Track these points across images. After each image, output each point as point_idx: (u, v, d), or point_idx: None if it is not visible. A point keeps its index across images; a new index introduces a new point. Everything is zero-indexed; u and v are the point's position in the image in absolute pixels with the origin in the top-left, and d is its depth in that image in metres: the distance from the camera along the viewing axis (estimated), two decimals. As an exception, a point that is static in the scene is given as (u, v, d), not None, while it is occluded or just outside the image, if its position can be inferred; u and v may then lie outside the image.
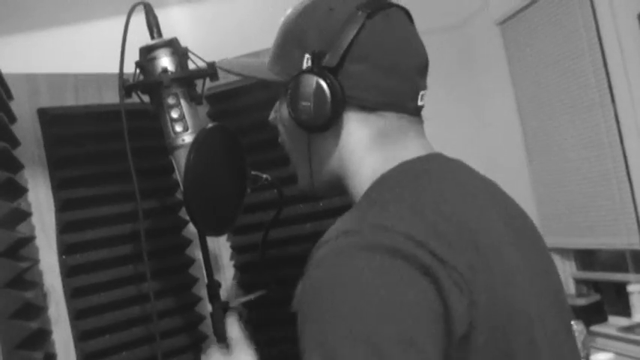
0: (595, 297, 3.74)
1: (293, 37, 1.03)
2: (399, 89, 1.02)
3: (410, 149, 1.02)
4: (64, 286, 1.63)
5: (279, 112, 1.11)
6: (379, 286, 0.80)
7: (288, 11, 1.08)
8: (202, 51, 1.55)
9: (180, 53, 1.48)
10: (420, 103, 1.05)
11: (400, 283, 0.80)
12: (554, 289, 1.05)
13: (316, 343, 0.79)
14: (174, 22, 2.26)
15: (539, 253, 1.06)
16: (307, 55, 1.00)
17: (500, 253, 0.92)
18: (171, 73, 1.45)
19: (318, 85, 0.96)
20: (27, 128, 1.62)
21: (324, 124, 0.99)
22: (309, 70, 0.98)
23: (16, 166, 1.56)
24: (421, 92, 1.05)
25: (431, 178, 0.97)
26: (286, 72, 1.03)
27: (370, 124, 1.02)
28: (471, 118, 4.34)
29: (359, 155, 1.02)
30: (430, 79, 1.09)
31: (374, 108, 1.01)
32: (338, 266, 0.84)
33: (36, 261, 1.59)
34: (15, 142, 1.56)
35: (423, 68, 1.05)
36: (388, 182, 0.98)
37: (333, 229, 0.91)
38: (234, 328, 1.27)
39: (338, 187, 1.07)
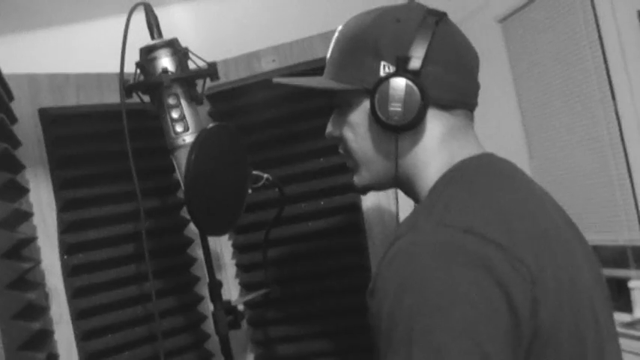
0: (596, 293, 3.75)
1: (364, 46, 1.09)
2: (468, 87, 1.12)
3: (469, 148, 1.11)
4: (65, 286, 1.64)
5: (346, 121, 1.15)
6: (442, 284, 0.87)
7: (341, 27, 1.16)
8: (203, 51, 1.55)
9: (180, 53, 1.48)
10: (477, 99, 1.16)
11: (461, 280, 0.87)
12: (604, 286, 1.12)
13: (400, 341, 0.87)
14: (175, 22, 2.26)
15: (585, 243, 1.13)
16: (383, 63, 1.06)
17: (568, 248, 1.00)
18: (172, 73, 1.45)
19: (409, 87, 1.03)
20: (28, 128, 1.62)
21: (413, 123, 1.05)
22: (396, 74, 1.04)
23: (18, 167, 1.56)
24: (479, 89, 1.15)
25: (492, 173, 1.06)
26: (359, 79, 1.09)
27: (444, 121, 1.09)
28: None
29: (430, 152, 1.09)
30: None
31: (449, 105, 1.09)
32: (403, 263, 0.90)
33: (38, 261, 1.59)
34: (16, 143, 1.57)
35: (478, 66, 1.15)
36: (452, 178, 1.04)
37: (402, 227, 0.98)
38: None
39: (401, 183, 1.14)
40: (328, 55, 1.18)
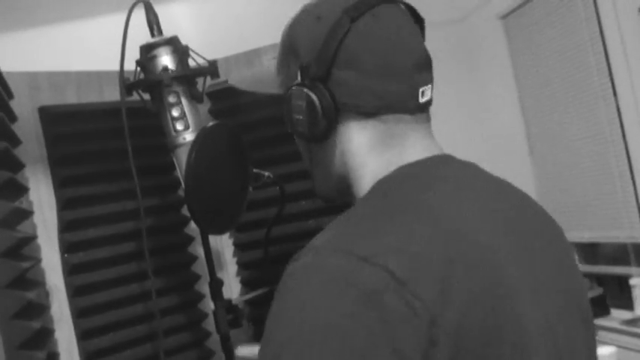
0: (598, 290, 3.73)
1: (288, 48, 1.03)
2: (395, 90, 0.98)
3: (411, 152, 0.99)
4: (66, 285, 1.63)
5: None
6: (322, 319, 0.78)
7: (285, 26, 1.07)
8: (203, 48, 1.54)
9: (180, 51, 1.47)
10: (422, 99, 1.00)
11: (342, 316, 0.78)
12: (577, 299, 1.01)
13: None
14: (175, 20, 2.26)
15: (559, 259, 1.02)
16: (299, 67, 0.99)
17: (496, 267, 0.87)
18: (172, 71, 1.45)
19: (308, 97, 0.96)
20: (28, 127, 1.62)
21: (320, 134, 0.98)
22: (298, 83, 0.98)
23: (18, 165, 1.55)
24: (421, 88, 1.00)
25: (424, 185, 0.93)
26: (285, 85, 1.02)
27: (369, 129, 0.99)
28: (473, 111, 4.33)
29: (360, 161, 1.00)
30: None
31: (372, 112, 0.98)
32: (292, 288, 0.83)
33: (38, 260, 1.58)
34: (16, 141, 1.56)
35: (422, 63, 1.01)
36: (376, 192, 0.95)
37: (308, 244, 0.88)
38: None
39: (342, 194, 1.06)
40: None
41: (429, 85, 1.01)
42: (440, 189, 0.93)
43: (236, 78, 1.88)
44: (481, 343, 0.81)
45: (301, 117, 0.98)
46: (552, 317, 0.92)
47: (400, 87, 0.98)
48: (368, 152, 0.99)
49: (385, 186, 0.95)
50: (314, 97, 0.95)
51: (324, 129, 0.97)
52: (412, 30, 1.02)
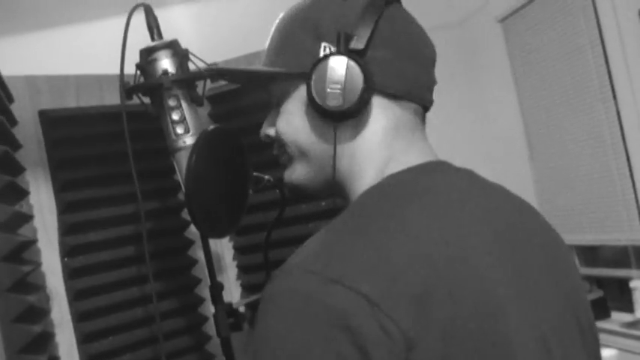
0: (598, 293, 3.74)
1: (304, 27, 0.97)
2: (421, 78, 0.98)
3: (413, 152, 0.97)
4: (66, 289, 1.63)
5: (280, 112, 1.01)
6: (295, 344, 0.77)
7: (282, 14, 1.03)
8: (203, 52, 1.55)
9: (180, 55, 1.47)
10: (431, 97, 1.01)
11: (316, 341, 0.76)
12: (575, 309, 0.97)
13: None
14: (175, 23, 2.26)
15: (557, 270, 0.99)
16: (324, 44, 0.94)
17: (483, 287, 0.84)
18: (172, 75, 1.45)
19: (351, 67, 0.90)
20: (28, 131, 1.62)
21: (354, 109, 0.91)
22: (338, 52, 0.92)
23: (18, 169, 1.55)
24: (434, 86, 1.01)
25: (414, 198, 0.90)
26: (297, 61, 0.96)
27: (389, 113, 0.96)
28: (473, 114, 4.33)
29: (369, 151, 0.96)
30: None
31: (397, 96, 0.96)
32: (267, 312, 0.81)
33: (38, 264, 1.58)
34: (16, 145, 1.56)
35: (434, 61, 1.02)
36: (364, 203, 0.91)
37: (286, 262, 0.85)
38: None
39: (336, 191, 1.01)
40: (266, 43, 1.04)
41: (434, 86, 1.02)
42: (427, 202, 0.89)
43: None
44: None
45: (338, 88, 0.91)
46: (548, 334, 0.89)
47: (424, 77, 0.98)
48: (380, 140, 0.96)
49: (369, 199, 0.91)
50: (357, 67, 0.91)
51: (360, 104, 0.92)
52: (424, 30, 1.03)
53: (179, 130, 1.46)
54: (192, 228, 1.87)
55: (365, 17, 0.93)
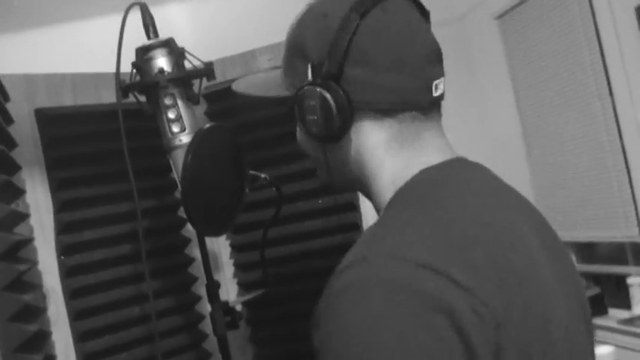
0: (595, 290, 3.74)
1: (295, 48, 1.00)
2: (409, 85, 0.96)
3: (429, 153, 0.98)
4: (62, 287, 1.63)
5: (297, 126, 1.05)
6: (393, 332, 0.77)
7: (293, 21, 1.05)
8: (199, 50, 1.54)
9: (176, 53, 1.47)
10: (435, 93, 0.99)
11: (415, 328, 0.77)
12: (581, 300, 1.01)
13: None
14: (171, 21, 2.25)
15: (564, 261, 1.02)
16: (310, 65, 0.96)
17: (534, 267, 0.89)
18: (168, 73, 1.45)
19: (322, 97, 0.93)
20: (24, 129, 1.62)
21: (335, 134, 0.95)
22: (310, 83, 0.94)
23: (14, 168, 1.55)
24: (435, 82, 0.98)
25: (454, 190, 0.93)
26: (294, 85, 0.99)
27: (386, 127, 0.97)
28: (470, 112, 4.33)
29: (378, 160, 0.98)
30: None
31: (387, 110, 0.96)
32: (351, 303, 0.80)
33: (35, 262, 1.58)
34: (12, 144, 1.56)
35: (434, 56, 1.00)
36: (409, 197, 0.93)
37: (351, 254, 0.86)
38: None
39: (361, 190, 1.04)
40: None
41: (442, 79, 1.00)
42: (470, 196, 0.93)
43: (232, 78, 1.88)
44: (537, 352, 0.83)
45: (315, 117, 0.94)
46: (569, 322, 0.93)
47: (414, 82, 0.96)
48: (385, 151, 0.97)
49: (417, 191, 0.93)
50: (328, 95, 0.93)
51: (339, 128, 0.94)
52: (421, 22, 1.01)
53: (175, 128, 1.46)
54: (189, 226, 1.87)
55: (338, 36, 0.93)
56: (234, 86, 1.13)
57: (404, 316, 0.77)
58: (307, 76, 0.95)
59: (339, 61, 0.93)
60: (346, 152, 0.99)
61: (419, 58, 0.97)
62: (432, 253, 0.80)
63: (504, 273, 0.83)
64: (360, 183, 1.01)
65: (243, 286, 1.96)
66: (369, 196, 1.02)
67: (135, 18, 1.46)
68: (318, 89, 0.93)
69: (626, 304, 3.49)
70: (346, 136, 0.96)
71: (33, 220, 1.61)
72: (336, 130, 0.94)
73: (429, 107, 0.99)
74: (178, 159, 1.44)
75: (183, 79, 1.48)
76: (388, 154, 0.97)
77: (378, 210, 1.01)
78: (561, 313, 0.91)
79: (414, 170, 0.95)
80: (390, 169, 0.97)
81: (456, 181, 0.95)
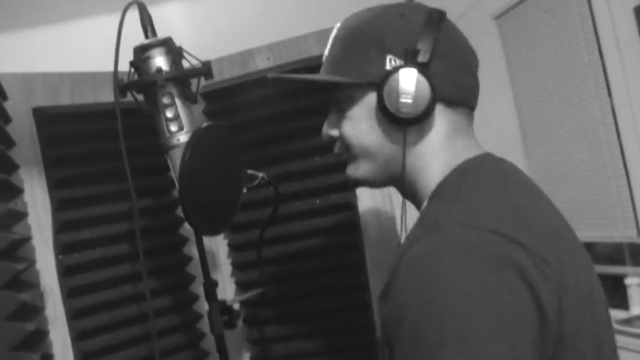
0: (593, 290, 3.76)
1: (367, 39, 1.08)
2: (470, 84, 1.11)
3: (471, 148, 1.10)
4: (60, 286, 1.63)
5: (346, 117, 1.12)
6: (472, 291, 0.85)
7: (340, 23, 1.15)
8: (197, 49, 1.54)
9: (174, 52, 1.47)
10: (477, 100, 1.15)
11: (490, 284, 0.85)
12: (604, 297, 1.09)
13: (425, 344, 0.85)
14: (169, 20, 2.25)
15: (585, 256, 1.10)
16: (389, 56, 1.05)
17: (571, 245, 1.00)
18: (166, 72, 1.45)
19: (419, 79, 1.02)
20: (22, 128, 1.62)
21: (422, 116, 1.04)
22: (407, 66, 1.03)
23: (12, 167, 1.55)
24: (479, 90, 1.14)
25: (501, 175, 1.05)
26: (364, 72, 1.07)
27: (449, 118, 1.08)
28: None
29: (433, 151, 1.09)
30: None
31: (454, 102, 1.08)
32: (430, 269, 0.88)
33: (32, 261, 1.58)
34: (10, 143, 1.56)
35: (478, 67, 1.15)
36: (463, 177, 1.03)
37: (423, 226, 0.97)
38: None
39: (401, 182, 1.11)
40: (326, 52, 1.16)
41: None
42: (511, 178, 1.05)
43: (231, 78, 1.88)
44: (587, 320, 0.95)
45: (408, 98, 1.03)
46: (604, 308, 1.04)
47: (474, 82, 1.12)
48: (443, 141, 1.09)
49: (469, 174, 1.04)
50: (425, 80, 1.03)
51: (427, 112, 1.04)
52: None
53: (173, 127, 1.46)
54: (187, 225, 1.87)
55: (425, 32, 1.05)
56: (273, 76, 1.19)
57: (481, 273, 0.86)
58: (384, 64, 1.06)
59: (429, 52, 1.04)
60: (415, 137, 1.08)
61: (475, 65, 1.13)
62: (496, 221, 0.91)
63: (559, 245, 0.94)
64: (407, 174, 1.10)
65: (241, 286, 1.96)
66: (412, 187, 1.11)
67: (133, 17, 1.46)
68: (416, 73, 1.03)
69: (624, 305, 3.50)
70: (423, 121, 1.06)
71: (31, 219, 1.61)
72: (423, 112, 1.04)
73: (474, 109, 1.14)
74: (176, 158, 1.44)
75: (181, 78, 1.48)
76: (445, 144, 1.09)
77: (420, 198, 1.11)
78: (600, 295, 1.02)
79: (459, 160, 1.07)
80: (443, 158, 1.08)
81: (499, 169, 1.07)
